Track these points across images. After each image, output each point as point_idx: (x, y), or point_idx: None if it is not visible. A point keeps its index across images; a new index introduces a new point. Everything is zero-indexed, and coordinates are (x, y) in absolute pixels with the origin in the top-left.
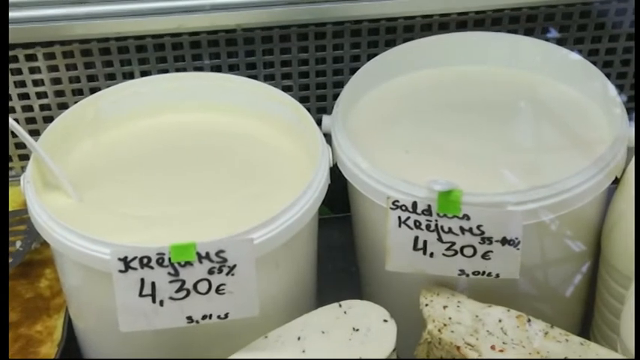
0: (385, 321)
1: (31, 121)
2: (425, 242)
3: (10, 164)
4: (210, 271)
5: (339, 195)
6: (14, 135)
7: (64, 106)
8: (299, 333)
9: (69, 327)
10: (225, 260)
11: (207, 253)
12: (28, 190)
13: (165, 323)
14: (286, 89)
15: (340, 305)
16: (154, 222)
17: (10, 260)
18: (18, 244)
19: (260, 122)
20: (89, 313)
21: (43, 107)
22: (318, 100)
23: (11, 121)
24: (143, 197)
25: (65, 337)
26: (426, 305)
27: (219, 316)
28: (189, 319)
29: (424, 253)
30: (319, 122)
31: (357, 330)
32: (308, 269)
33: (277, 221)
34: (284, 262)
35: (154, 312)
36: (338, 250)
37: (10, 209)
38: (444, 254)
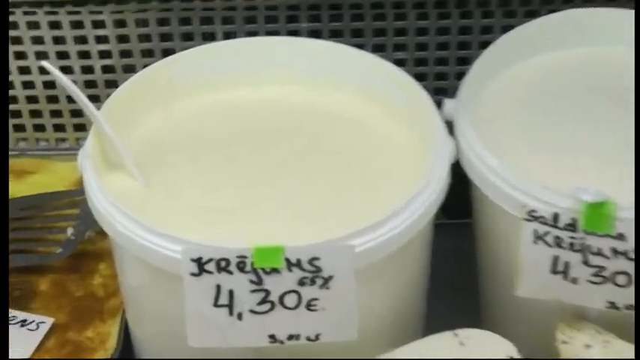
0: (511, 358)
1: (91, 84)
2: (566, 264)
3: (63, 135)
4: (301, 282)
5: (456, 196)
6: (71, 100)
7: (130, 69)
8: None
9: (125, 335)
10: (319, 270)
11: (299, 260)
12: (87, 168)
13: (243, 341)
14: (399, 63)
15: (456, 334)
16: (234, 217)
17: (60, 250)
18: (69, 231)
19: (365, 102)
20: (151, 321)
21: (106, 69)
22: (437, 79)
23: (69, 84)
24: (222, 185)
25: (121, 347)
26: (564, 342)
27: (308, 338)
28: (272, 338)
29: (565, 277)
30: (438, 106)
31: None
32: (418, 286)
33: (384, 226)
34: (390, 275)
35: (231, 326)
36: (452, 263)
37: (62, 188)
38: (589, 281)
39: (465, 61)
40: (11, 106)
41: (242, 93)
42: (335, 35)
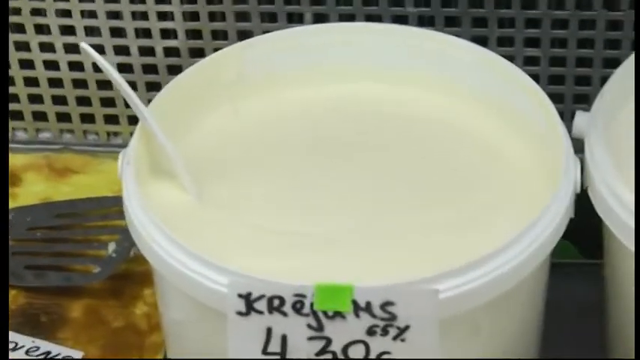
0: None
1: (150, 69)
2: None
3: (116, 127)
4: (371, 331)
5: (589, 230)
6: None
7: (198, 54)
8: None
9: None
10: (393, 317)
11: (369, 304)
12: (127, 175)
13: None
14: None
15: None
16: (299, 244)
17: (97, 270)
18: (111, 247)
19: (479, 110)
20: None
21: (169, 52)
22: (576, 87)
23: (110, 70)
24: (291, 206)
25: None
26: None
27: None
28: None
29: None
30: (569, 120)
31: None
32: (527, 339)
33: (481, 268)
34: (489, 327)
35: None
36: (584, 312)
37: (110, 193)
38: None
39: (612, 64)
40: (55, 91)
41: (326, 90)
42: (451, 23)
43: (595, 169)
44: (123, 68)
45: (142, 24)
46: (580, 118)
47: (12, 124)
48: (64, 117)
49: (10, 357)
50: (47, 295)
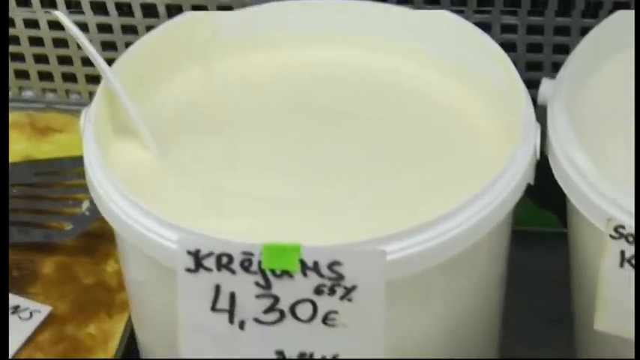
0: None
1: (130, 30)
2: None
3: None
4: (318, 290)
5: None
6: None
7: (176, 11)
8: None
9: (131, 336)
10: (340, 277)
11: (316, 264)
12: (87, 133)
13: (246, 355)
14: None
15: None
16: (260, 206)
17: (70, 227)
18: (85, 205)
19: (447, 77)
20: (154, 324)
21: (145, 7)
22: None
23: (74, 29)
24: (254, 168)
25: (124, 349)
26: None
27: (323, 357)
28: (280, 354)
29: None
30: (531, 85)
31: None
32: (482, 306)
33: (430, 230)
34: (440, 291)
35: (231, 336)
36: (558, 284)
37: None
38: None
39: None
40: (37, 50)
41: (303, 55)
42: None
43: (555, 135)
44: (102, 28)
45: None
46: (545, 85)
47: None
48: (46, 76)
49: None
50: (20, 251)
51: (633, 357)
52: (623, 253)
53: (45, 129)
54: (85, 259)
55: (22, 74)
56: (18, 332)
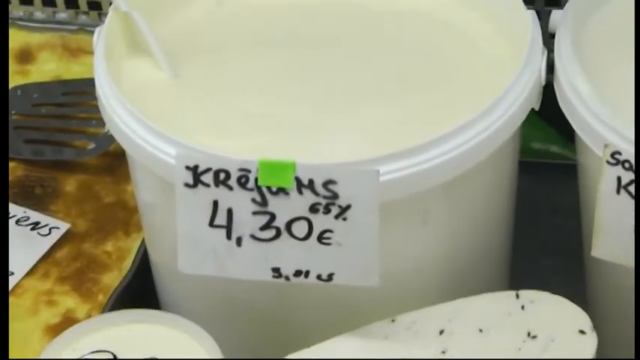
0: (582, 332)
1: None
2: None
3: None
4: (313, 209)
5: None
6: None
7: None
8: (444, 324)
9: (144, 255)
10: (335, 196)
11: (312, 182)
12: (98, 50)
13: (242, 271)
14: None
15: (518, 296)
16: (267, 125)
17: (92, 146)
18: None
19: (459, 2)
20: (163, 243)
21: None
22: None
23: None
24: (263, 88)
25: (136, 269)
26: None
27: (319, 276)
28: (277, 272)
29: None
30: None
31: (534, 337)
32: (487, 232)
33: (424, 153)
34: (438, 215)
35: (228, 252)
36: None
37: None
38: None
39: None
40: None
41: None
42: None
43: (559, 60)
44: None
45: None
46: (556, 15)
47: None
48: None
49: None
50: (44, 169)
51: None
52: (619, 179)
53: (76, 50)
54: (107, 178)
55: None
56: (36, 247)
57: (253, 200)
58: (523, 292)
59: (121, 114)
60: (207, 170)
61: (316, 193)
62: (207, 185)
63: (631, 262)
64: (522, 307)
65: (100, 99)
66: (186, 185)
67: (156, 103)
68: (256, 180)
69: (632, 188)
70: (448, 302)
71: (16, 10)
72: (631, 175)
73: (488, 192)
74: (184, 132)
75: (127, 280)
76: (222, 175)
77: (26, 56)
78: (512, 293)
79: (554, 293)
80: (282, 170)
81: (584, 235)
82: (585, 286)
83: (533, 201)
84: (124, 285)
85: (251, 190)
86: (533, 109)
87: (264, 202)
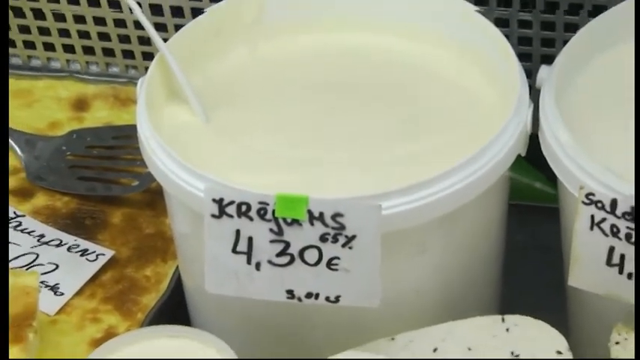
0: (559, 353)
1: (177, 12)
2: (622, 257)
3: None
4: (323, 238)
5: None
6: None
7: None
8: (438, 343)
9: (179, 279)
10: (342, 227)
11: (322, 214)
12: (140, 98)
13: (260, 292)
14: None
15: (503, 320)
16: (286, 164)
17: (136, 184)
18: None
19: (457, 59)
20: (193, 268)
21: None
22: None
23: (135, 6)
24: (285, 131)
25: (171, 291)
26: (617, 344)
27: (327, 298)
28: (290, 293)
29: (620, 271)
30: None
31: (517, 356)
32: (476, 262)
33: (422, 190)
34: (434, 246)
35: (248, 276)
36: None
37: None
38: None
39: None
40: (120, 31)
41: (336, 38)
42: None
43: (543, 112)
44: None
45: None
46: (542, 71)
47: (85, 58)
48: (128, 54)
49: (53, 252)
50: (95, 203)
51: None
52: (593, 217)
53: (125, 100)
54: (148, 212)
55: (109, 52)
56: (84, 271)
57: (271, 230)
58: (508, 317)
59: (158, 153)
60: (231, 203)
61: (326, 225)
62: (231, 216)
63: (603, 290)
64: (507, 330)
65: (140, 141)
66: (213, 216)
67: (189, 144)
68: (274, 212)
69: (604, 225)
70: (442, 324)
71: (74, 63)
72: (603, 214)
73: (480, 226)
74: (213, 169)
75: (162, 300)
76: (244, 207)
77: (82, 105)
78: (499, 317)
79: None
80: (296, 204)
81: (565, 268)
82: (567, 314)
83: (523, 237)
84: (160, 304)
85: (269, 220)
86: (520, 155)
87: (280, 232)
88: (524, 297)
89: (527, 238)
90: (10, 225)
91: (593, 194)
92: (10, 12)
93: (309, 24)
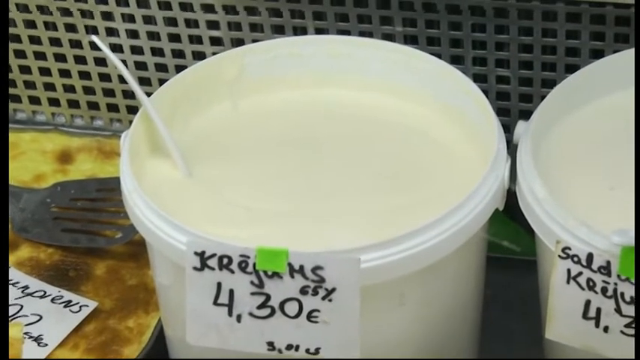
0: None
1: (161, 67)
2: (598, 310)
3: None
4: (303, 291)
5: None
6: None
7: (200, 56)
8: None
9: (161, 330)
10: (322, 280)
11: (302, 267)
12: (124, 151)
13: (241, 344)
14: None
15: None
16: (267, 217)
17: (119, 236)
18: None
19: (436, 115)
20: (175, 320)
21: (175, 54)
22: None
23: (119, 64)
24: (265, 185)
25: (153, 342)
26: None
27: (308, 350)
28: (271, 345)
29: (596, 325)
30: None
31: None
32: (456, 314)
33: (400, 244)
34: (413, 298)
35: (229, 328)
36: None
37: None
38: (622, 332)
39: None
40: (105, 85)
41: (314, 94)
42: (432, 43)
43: (520, 168)
44: (138, 66)
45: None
46: (520, 127)
47: (70, 111)
48: (113, 108)
49: (38, 304)
50: (78, 255)
51: None
52: (569, 271)
53: (109, 152)
54: (131, 263)
55: (93, 106)
56: (67, 322)
57: (252, 282)
58: None
59: (141, 206)
60: (213, 256)
61: (306, 277)
62: (212, 269)
63: (579, 343)
64: None
65: (123, 193)
66: (195, 268)
67: (171, 197)
68: (254, 265)
69: (580, 279)
70: None
71: (59, 116)
72: (579, 268)
73: (458, 278)
74: (194, 223)
75: (145, 351)
76: (225, 260)
77: (66, 157)
78: None
79: None
80: (276, 257)
81: (542, 320)
82: None
83: (503, 291)
84: (142, 356)
85: (250, 273)
86: (498, 209)
87: (261, 284)
88: (503, 348)
89: (506, 289)
90: None
91: (569, 248)
92: None
93: (288, 81)
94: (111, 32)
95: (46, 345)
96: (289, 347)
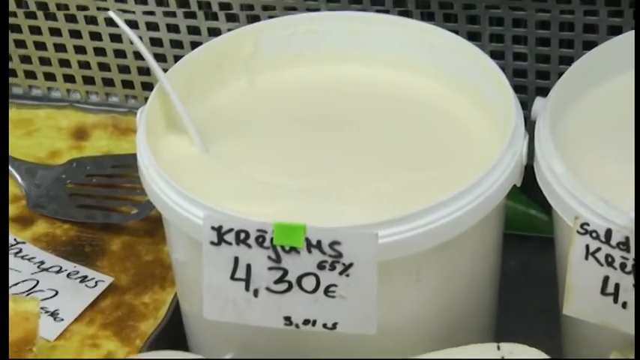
0: None
1: (177, 44)
2: (617, 286)
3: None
4: (320, 266)
5: None
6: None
7: (215, 32)
8: None
9: (177, 306)
10: (339, 255)
11: (319, 242)
12: (140, 127)
13: (258, 319)
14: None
15: (499, 348)
16: (284, 194)
17: (135, 212)
18: None
19: (453, 91)
20: (192, 295)
21: (191, 30)
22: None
23: (136, 39)
24: (282, 162)
25: (169, 318)
26: None
27: (325, 325)
28: (288, 320)
29: (615, 300)
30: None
31: None
32: (472, 291)
33: (418, 220)
34: (430, 275)
35: (246, 302)
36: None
37: None
38: None
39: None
40: (120, 61)
41: (330, 70)
42: (448, 19)
43: (538, 145)
44: (154, 42)
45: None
46: (537, 103)
47: (85, 87)
48: (128, 84)
49: (54, 279)
50: (94, 230)
51: (606, 345)
52: (587, 247)
53: (125, 129)
54: (147, 239)
55: (109, 82)
56: (83, 298)
57: (269, 257)
58: (504, 345)
59: (158, 182)
60: (230, 230)
61: (323, 252)
62: (230, 243)
63: (597, 319)
64: (503, 358)
65: (140, 169)
66: (212, 243)
67: (188, 173)
68: (272, 240)
69: (598, 255)
70: (438, 350)
71: (74, 92)
72: (597, 244)
73: (475, 255)
74: (211, 198)
75: (161, 327)
76: (242, 235)
77: (82, 134)
78: (495, 345)
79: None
80: (294, 232)
81: (560, 296)
82: (562, 341)
83: (520, 267)
84: (159, 331)
85: (267, 248)
86: (515, 185)
87: (278, 259)
88: (520, 324)
89: (522, 266)
90: (10, 252)
91: (587, 224)
92: (12, 43)
93: (305, 57)
94: (126, 9)
95: (62, 320)
96: (306, 322)
